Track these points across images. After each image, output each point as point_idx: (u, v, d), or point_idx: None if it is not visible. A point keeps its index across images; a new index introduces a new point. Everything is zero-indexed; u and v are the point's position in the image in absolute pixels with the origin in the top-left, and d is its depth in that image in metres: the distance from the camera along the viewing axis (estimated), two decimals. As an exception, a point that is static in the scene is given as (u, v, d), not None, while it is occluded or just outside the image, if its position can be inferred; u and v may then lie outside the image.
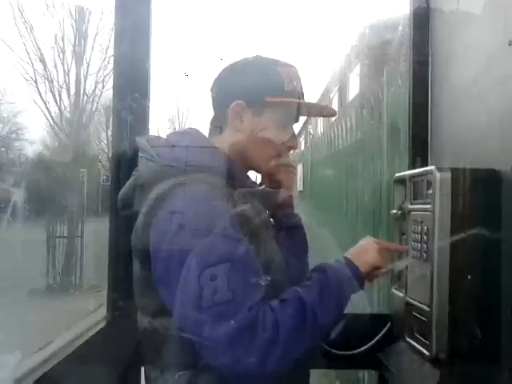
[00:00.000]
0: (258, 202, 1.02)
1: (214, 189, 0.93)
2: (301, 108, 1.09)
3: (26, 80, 9.23)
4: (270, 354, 0.83)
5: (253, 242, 0.92)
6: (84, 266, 7.71)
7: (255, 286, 0.86)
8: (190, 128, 1.11)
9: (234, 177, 1.00)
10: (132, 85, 1.45)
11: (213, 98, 1.10)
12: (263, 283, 0.88)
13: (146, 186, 0.98)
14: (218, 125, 1.08)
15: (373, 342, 1.36)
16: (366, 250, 1.03)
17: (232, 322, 0.82)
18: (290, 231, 1.12)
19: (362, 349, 1.36)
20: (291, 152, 1.16)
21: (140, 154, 1.02)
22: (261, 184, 1.13)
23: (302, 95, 1.08)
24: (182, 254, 0.85)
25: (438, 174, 1.12)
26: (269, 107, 1.04)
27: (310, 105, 1.10)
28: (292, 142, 1.09)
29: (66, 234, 7.95)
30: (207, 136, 1.09)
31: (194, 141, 1.05)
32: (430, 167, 1.16)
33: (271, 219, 1.08)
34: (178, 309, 0.86)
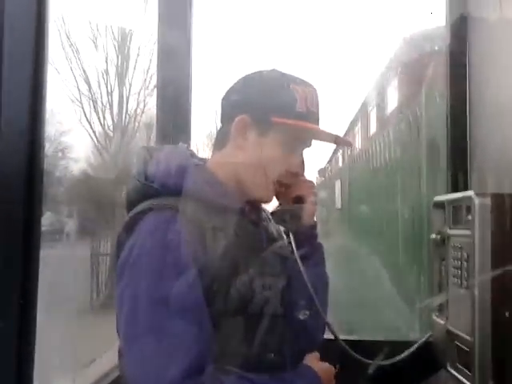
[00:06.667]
0: (256, 227, 0.94)
1: (175, 219, 0.83)
2: (312, 133, 0.98)
3: (72, 101, 9.67)
4: None
5: (231, 280, 0.83)
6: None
7: (189, 348, 0.77)
8: (180, 144, 1.02)
9: (219, 200, 0.90)
10: (175, 102, 1.53)
11: (221, 110, 1.00)
12: (201, 346, 0.78)
13: (129, 206, 0.92)
14: (222, 139, 0.97)
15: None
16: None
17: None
18: (308, 263, 0.96)
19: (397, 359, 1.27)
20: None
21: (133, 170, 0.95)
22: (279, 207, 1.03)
23: (316, 118, 0.97)
24: (132, 287, 0.82)
25: (477, 200, 1.09)
26: (276, 128, 0.93)
27: (322, 131, 0.98)
28: (297, 169, 0.98)
29: (109, 252, 8.16)
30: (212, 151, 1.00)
31: (177, 159, 0.94)
32: (469, 192, 1.14)
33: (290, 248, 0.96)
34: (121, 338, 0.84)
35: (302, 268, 0.92)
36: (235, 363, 0.83)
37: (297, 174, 0.98)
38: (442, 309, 1.30)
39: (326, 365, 0.98)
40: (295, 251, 0.94)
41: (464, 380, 1.11)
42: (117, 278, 0.86)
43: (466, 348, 1.11)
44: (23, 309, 0.64)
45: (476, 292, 1.06)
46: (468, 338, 1.09)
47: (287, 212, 1.00)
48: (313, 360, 0.97)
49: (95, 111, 9.83)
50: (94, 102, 9.87)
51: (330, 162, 11.05)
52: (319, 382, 0.94)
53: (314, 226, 1.04)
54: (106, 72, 10.03)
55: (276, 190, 0.97)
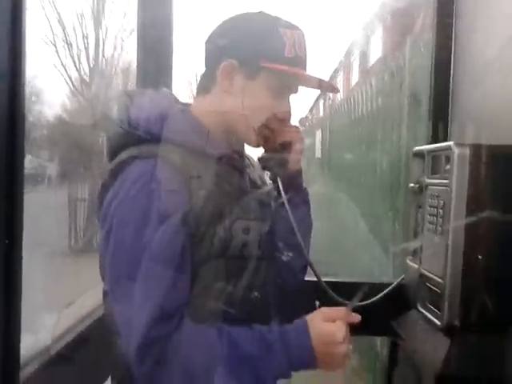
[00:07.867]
0: (239, 174, 0.96)
1: (158, 167, 0.83)
2: (300, 78, 0.97)
3: (46, 43, 9.24)
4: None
5: (215, 227, 0.85)
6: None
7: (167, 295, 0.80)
8: (163, 89, 1.01)
9: (204, 146, 0.91)
10: (156, 45, 1.50)
11: (206, 53, 0.97)
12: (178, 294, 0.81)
13: (111, 152, 0.92)
14: (206, 84, 0.96)
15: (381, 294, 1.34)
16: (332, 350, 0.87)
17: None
18: (292, 206, 0.97)
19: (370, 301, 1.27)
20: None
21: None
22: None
23: (304, 63, 0.96)
24: (116, 234, 0.84)
25: (456, 150, 1.12)
26: (264, 72, 0.92)
27: (311, 77, 0.97)
28: (284, 114, 0.97)
29: (87, 197, 8.12)
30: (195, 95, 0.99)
31: (162, 105, 0.93)
32: (449, 142, 1.17)
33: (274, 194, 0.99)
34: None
35: (288, 208, 0.94)
36: (219, 304, 0.86)
37: (284, 119, 0.98)
38: (416, 253, 1.37)
39: (334, 327, 0.88)
40: (283, 194, 0.95)
41: (433, 318, 1.19)
42: (100, 224, 0.87)
43: (436, 289, 1.18)
44: (9, 248, 0.65)
45: (450, 237, 1.11)
46: (439, 280, 1.16)
47: (273, 157, 1.01)
48: (316, 318, 0.89)
49: (70, 55, 9.45)
50: (69, 45, 9.45)
51: (311, 111, 10.99)
52: (303, 341, 0.86)
53: (299, 171, 1.05)
54: (82, 14, 9.55)
55: (263, 136, 0.97)
